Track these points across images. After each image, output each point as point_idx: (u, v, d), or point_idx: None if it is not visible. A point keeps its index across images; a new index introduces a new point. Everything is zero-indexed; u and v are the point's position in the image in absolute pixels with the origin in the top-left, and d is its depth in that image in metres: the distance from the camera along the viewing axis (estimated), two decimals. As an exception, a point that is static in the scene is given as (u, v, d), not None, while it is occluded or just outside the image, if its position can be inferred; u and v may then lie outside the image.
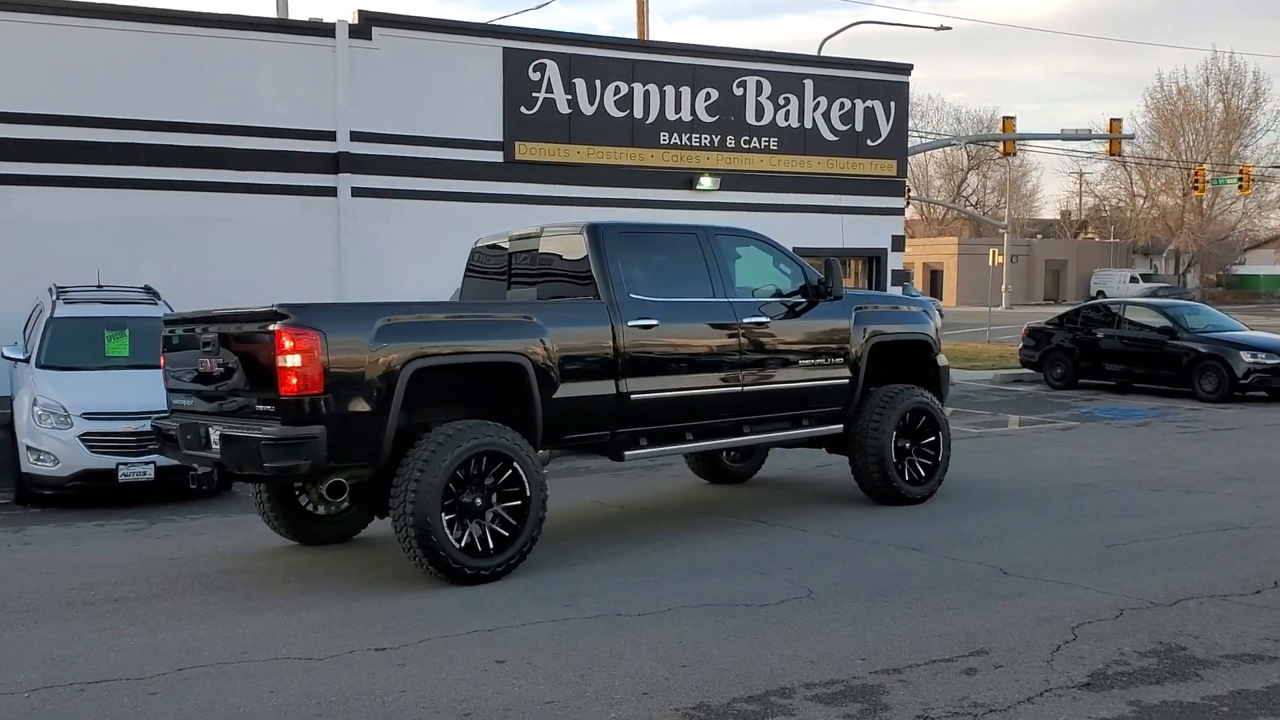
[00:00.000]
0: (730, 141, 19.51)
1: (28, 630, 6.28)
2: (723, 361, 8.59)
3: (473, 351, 7.38)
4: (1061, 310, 24.60)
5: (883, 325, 9.75)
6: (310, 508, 8.30)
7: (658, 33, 61.78)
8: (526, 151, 17.97)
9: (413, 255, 16.71)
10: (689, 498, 10.29)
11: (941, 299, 56.19)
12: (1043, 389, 20.88)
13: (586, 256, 8.13)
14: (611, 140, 18.55)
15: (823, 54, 27.87)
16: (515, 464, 7.21)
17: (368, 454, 6.98)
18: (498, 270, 9.14)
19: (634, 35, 24.30)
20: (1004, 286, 55.97)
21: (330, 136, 16.82)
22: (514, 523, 7.26)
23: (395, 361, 6.93)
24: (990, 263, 37.11)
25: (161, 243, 15.35)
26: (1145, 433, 14.89)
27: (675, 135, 19.07)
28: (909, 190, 30.37)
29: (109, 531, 9.19)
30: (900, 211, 21.55)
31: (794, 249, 21.79)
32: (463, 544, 7.03)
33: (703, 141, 19.28)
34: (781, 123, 19.90)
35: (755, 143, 19.72)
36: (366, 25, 17.04)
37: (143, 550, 8.37)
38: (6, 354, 11.17)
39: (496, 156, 17.86)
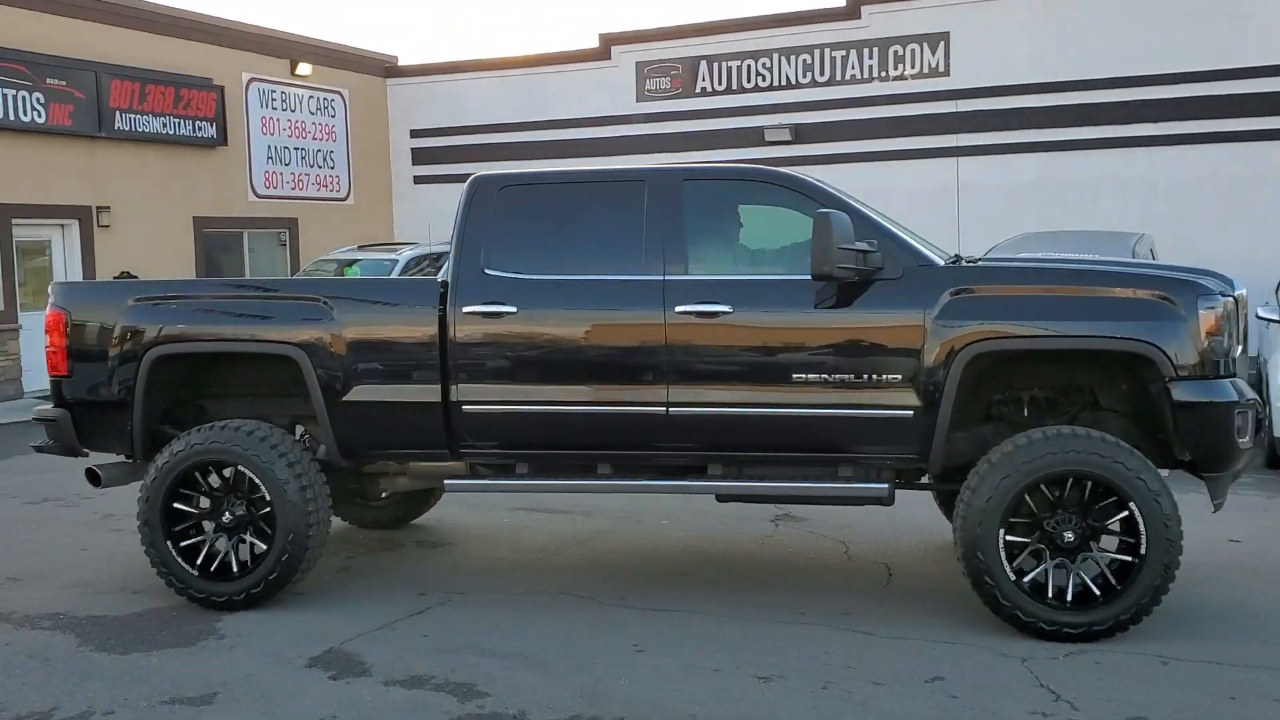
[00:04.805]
0: None
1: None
2: (627, 367, 5.87)
3: (223, 339, 6.25)
4: None
5: (1008, 322, 5.52)
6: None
7: None
8: None
9: None
10: None
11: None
12: None
13: None
14: None
15: None
16: (247, 471, 6.00)
17: (121, 445, 6.41)
18: None
19: None
20: None
21: None
22: (263, 546, 6.03)
23: (138, 346, 6.23)
24: None
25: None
26: None
27: None
28: None
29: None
30: None
31: None
32: (197, 564, 6.10)
33: None
34: None
35: None
36: None
37: None
38: (1261, 314, 10.91)
39: None
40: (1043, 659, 5.15)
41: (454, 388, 6.01)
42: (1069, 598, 5.38)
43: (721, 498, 6.39)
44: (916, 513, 7.55)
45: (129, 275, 14.77)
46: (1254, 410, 5.51)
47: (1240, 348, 5.77)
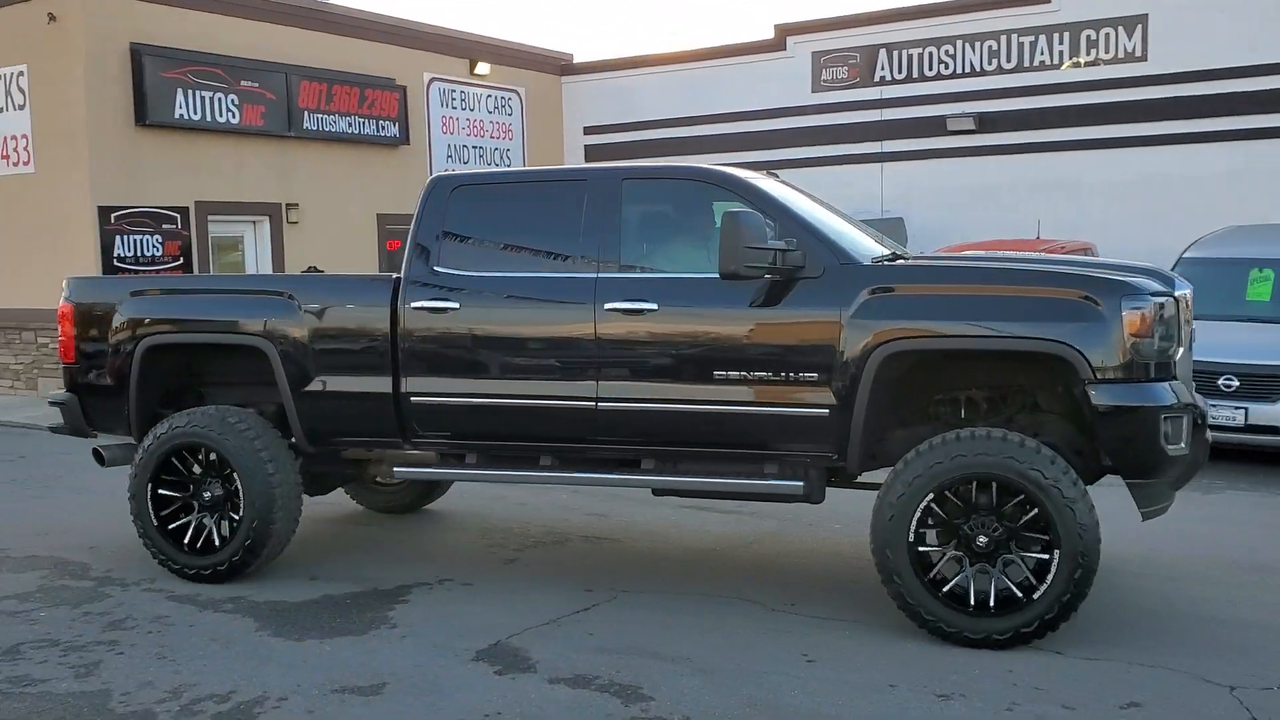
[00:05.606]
0: None
1: None
2: (560, 362, 6.03)
3: (203, 330, 6.74)
4: None
5: (922, 321, 5.36)
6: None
7: None
8: None
9: None
10: None
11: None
12: None
13: None
14: None
15: None
16: (221, 456, 6.40)
17: (121, 427, 6.89)
18: None
19: None
20: None
21: None
22: (236, 523, 6.42)
23: (133, 337, 6.74)
24: None
25: None
26: None
27: None
28: None
29: None
30: None
31: None
32: (186, 540, 6.53)
33: None
34: None
35: None
36: None
37: None
38: None
39: None
40: (1253, 688, 4.71)
41: (403, 380, 6.28)
42: (992, 603, 5.21)
43: (657, 492, 6.35)
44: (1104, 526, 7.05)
45: (315, 270, 15.29)
46: (1189, 415, 5.15)
47: (1182, 350, 5.41)
